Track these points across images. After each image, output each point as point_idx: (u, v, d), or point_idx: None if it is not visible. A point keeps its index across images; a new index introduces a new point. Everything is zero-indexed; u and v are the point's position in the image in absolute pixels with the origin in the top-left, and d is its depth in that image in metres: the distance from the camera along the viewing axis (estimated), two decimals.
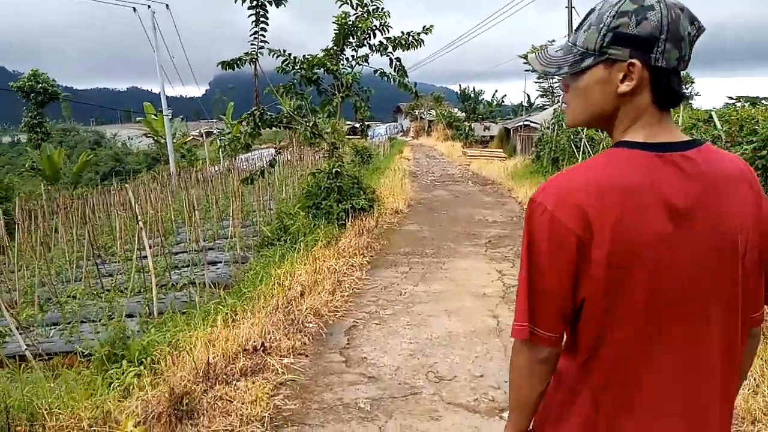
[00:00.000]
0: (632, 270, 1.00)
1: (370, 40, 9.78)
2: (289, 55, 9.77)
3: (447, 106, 46.69)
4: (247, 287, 5.48)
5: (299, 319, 4.37)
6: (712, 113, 7.08)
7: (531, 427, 1.24)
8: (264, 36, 9.35)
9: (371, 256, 7.02)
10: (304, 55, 9.90)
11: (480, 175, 18.17)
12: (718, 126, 6.78)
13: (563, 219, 1.01)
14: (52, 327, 7.14)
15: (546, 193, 1.05)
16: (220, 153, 27.79)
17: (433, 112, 46.04)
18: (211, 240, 11.48)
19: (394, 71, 10.04)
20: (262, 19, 9.19)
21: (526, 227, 1.07)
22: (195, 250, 9.76)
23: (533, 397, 1.17)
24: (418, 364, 3.80)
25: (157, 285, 8.57)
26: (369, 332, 4.42)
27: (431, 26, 9.87)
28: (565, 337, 1.13)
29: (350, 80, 9.77)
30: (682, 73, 1.10)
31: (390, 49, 9.92)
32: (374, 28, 9.55)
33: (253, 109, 9.94)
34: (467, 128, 37.65)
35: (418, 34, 9.80)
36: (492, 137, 36.51)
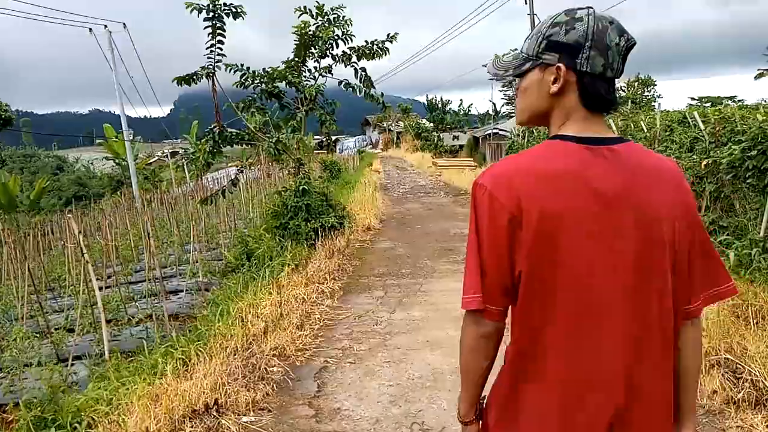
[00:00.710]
0: (557, 249, 1.08)
1: (332, 50, 9.35)
2: (247, 68, 9.25)
3: (415, 117, 46.53)
4: (203, 325, 4.87)
5: (261, 364, 3.80)
6: (695, 113, 6.78)
7: (484, 401, 1.30)
8: (221, 49, 8.83)
9: (343, 280, 6.48)
10: (264, 69, 9.39)
11: (452, 186, 17.81)
12: (701, 126, 6.48)
13: (499, 196, 1.10)
14: None
15: (486, 176, 1.16)
16: (187, 173, 27.02)
17: (401, 123, 45.82)
18: (173, 266, 10.80)
19: (360, 82, 9.59)
20: (219, 31, 8.65)
21: (471, 207, 1.17)
22: (155, 278, 9.09)
23: (479, 371, 1.23)
24: (400, 413, 3.27)
25: (111, 320, 7.87)
26: (342, 374, 3.87)
27: (396, 34, 9.48)
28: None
29: (314, 93, 9.28)
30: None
31: (354, 59, 9.49)
32: (336, 37, 9.11)
33: (212, 125, 9.37)
34: (436, 138, 37.44)
35: (383, 42, 9.40)
36: (461, 146, 36.39)
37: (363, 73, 9.54)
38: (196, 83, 9.17)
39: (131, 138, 27.28)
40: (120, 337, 6.91)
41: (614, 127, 8.53)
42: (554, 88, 1.15)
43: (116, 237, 14.27)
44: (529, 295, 1.11)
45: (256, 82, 9.36)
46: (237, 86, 9.50)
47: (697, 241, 1.17)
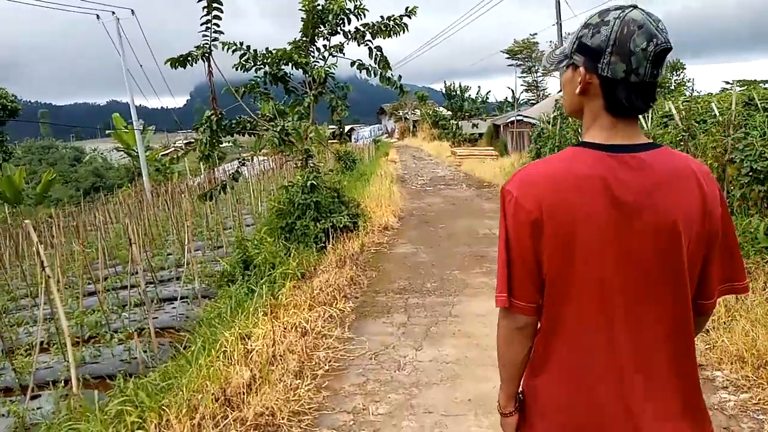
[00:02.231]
0: (575, 253, 1.12)
1: (344, 26, 8.19)
2: (248, 48, 8.14)
3: (431, 105, 45.20)
4: (174, 369, 3.77)
5: None
6: None
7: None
8: (218, 26, 7.74)
9: (356, 298, 5.35)
10: (267, 48, 8.28)
11: (474, 177, 16.61)
12: None
13: (524, 203, 1.15)
14: None
15: (513, 183, 1.20)
16: (201, 165, 26.21)
17: (418, 111, 44.51)
18: (172, 268, 9.81)
19: (375, 63, 8.44)
20: (215, 5, 7.55)
21: (500, 212, 1.23)
22: (149, 283, 8.07)
23: (515, 363, 1.28)
24: None
25: (92, 338, 6.86)
26: None
27: (415, 7, 8.26)
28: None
29: (323, 75, 8.14)
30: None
31: (368, 36, 8.32)
32: (348, 11, 7.95)
33: (209, 113, 8.28)
34: (454, 127, 36.08)
35: (401, 17, 8.21)
36: (481, 135, 35.08)
37: (378, 53, 8.38)
38: (191, 65, 8.11)
39: (141, 128, 26.42)
40: (99, 358, 5.94)
41: (674, 111, 7.29)
42: (577, 89, 1.17)
43: (118, 234, 13.39)
44: (549, 294, 1.17)
45: (258, 64, 8.27)
46: (237, 68, 8.42)
47: (720, 237, 1.18)
